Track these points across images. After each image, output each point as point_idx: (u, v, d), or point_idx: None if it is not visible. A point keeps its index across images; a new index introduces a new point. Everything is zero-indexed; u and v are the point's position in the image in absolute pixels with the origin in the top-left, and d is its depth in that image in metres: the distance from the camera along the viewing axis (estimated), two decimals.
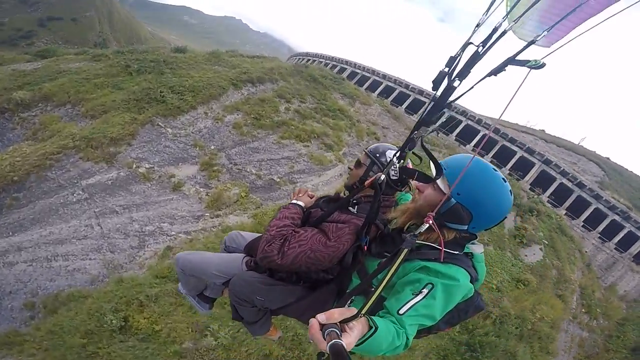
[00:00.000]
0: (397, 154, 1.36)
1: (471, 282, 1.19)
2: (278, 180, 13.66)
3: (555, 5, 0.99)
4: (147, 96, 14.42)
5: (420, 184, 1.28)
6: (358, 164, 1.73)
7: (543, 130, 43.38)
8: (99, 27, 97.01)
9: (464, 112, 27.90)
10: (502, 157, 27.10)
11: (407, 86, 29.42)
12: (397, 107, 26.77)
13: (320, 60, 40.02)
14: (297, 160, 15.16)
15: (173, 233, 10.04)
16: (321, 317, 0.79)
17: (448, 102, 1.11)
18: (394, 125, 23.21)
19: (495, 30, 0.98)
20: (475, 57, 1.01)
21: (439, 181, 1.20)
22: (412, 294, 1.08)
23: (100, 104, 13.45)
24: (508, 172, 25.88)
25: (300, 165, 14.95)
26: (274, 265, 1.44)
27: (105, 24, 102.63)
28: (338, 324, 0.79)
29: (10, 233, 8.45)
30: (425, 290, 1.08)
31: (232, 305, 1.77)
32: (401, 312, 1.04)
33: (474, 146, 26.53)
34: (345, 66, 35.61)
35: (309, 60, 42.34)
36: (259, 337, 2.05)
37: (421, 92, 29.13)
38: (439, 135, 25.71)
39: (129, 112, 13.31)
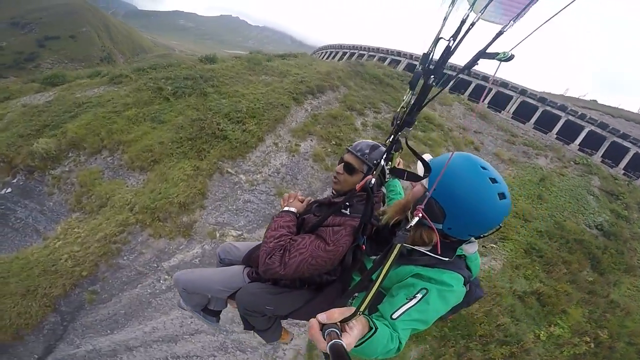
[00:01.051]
0: (384, 157, 1.31)
1: (465, 283, 1.18)
2: None
3: None
4: (201, 131, 10.50)
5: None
6: (351, 169, 1.62)
7: (595, 101, 38.08)
8: (99, 41, 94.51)
9: (562, 107, 23.80)
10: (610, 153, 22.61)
11: (485, 78, 24.43)
12: (476, 102, 21.92)
13: (362, 52, 35.34)
14: None
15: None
16: (322, 316, 0.79)
17: (427, 101, 1.06)
18: (486, 128, 18.57)
19: (463, 22, 0.94)
20: (447, 53, 0.98)
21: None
22: (406, 299, 1.07)
23: (146, 149, 9.92)
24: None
25: None
26: (278, 276, 1.43)
27: (105, 38, 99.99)
28: (338, 324, 0.78)
29: (109, 331, 7.35)
30: (419, 295, 1.07)
31: (243, 317, 1.76)
32: (394, 316, 1.04)
33: (579, 145, 22.55)
34: (398, 57, 30.84)
35: (346, 54, 37.60)
36: (273, 342, 2.02)
37: (505, 84, 24.29)
38: (536, 135, 21.08)
39: (186, 159, 9.63)
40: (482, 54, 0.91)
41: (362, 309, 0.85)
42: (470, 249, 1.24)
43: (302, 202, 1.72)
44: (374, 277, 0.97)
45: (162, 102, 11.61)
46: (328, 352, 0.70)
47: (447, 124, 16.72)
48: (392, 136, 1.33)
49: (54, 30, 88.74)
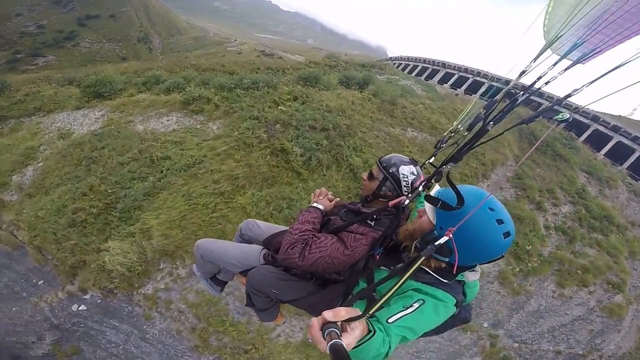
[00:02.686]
0: (424, 184, 1.40)
1: (457, 305, 1.23)
2: (583, 353, 8.81)
3: (596, 22, 1.03)
4: None
5: (421, 209, 1.30)
6: (371, 176, 1.72)
7: None
8: (138, 22, 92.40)
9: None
10: None
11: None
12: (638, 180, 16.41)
13: (425, 65, 30.22)
14: (589, 319, 9.08)
15: None
16: (328, 314, 0.79)
17: (478, 143, 1.14)
18: None
19: (539, 79, 1.03)
20: (514, 104, 1.07)
21: (428, 211, 1.23)
22: (403, 307, 1.11)
23: None
24: None
25: (596, 325, 9.13)
26: (294, 265, 1.54)
27: (143, 18, 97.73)
28: (338, 324, 0.79)
29: None
30: (415, 305, 1.12)
31: (247, 294, 1.88)
32: (390, 320, 1.06)
33: None
34: (480, 79, 25.98)
35: (408, 66, 32.72)
36: (266, 322, 2.14)
37: None
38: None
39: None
40: (543, 112, 1.05)
41: (371, 312, 0.97)
42: (472, 276, 1.29)
43: (330, 201, 1.79)
44: (379, 288, 1.22)
45: (292, 178, 7.18)
46: (328, 351, 0.70)
47: (621, 220, 11.44)
48: (431, 157, 1.74)
49: (94, 9, 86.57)
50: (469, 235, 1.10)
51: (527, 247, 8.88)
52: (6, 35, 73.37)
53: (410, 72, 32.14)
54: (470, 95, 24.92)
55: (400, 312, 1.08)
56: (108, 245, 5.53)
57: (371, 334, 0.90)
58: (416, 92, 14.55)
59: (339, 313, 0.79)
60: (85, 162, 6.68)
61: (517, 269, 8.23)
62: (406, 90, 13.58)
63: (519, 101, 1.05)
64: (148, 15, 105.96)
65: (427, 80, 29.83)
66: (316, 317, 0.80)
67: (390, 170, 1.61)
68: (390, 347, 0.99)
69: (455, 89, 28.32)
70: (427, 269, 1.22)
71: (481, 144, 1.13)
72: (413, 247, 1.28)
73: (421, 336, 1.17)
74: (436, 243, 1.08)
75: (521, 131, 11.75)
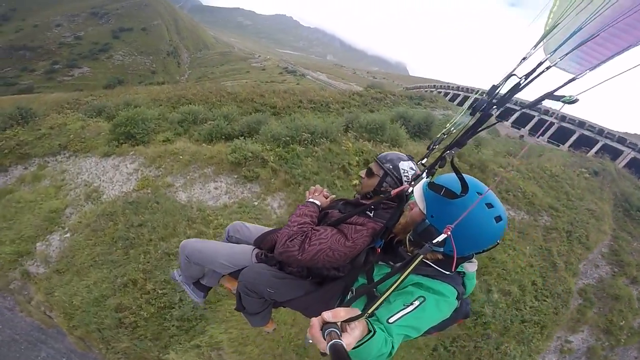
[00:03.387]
0: (428, 170, 1.33)
1: (458, 298, 1.20)
2: None
3: (595, 33, 1.03)
4: None
5: (412, 202, 1.29)
6: (370, 173, 1.69)
7: None
8: (167, 35, 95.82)
9: None
10: None
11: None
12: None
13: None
14: None
15: None
16: (327, 314, 0.77)
17: (482, 128, 1.09)
18: None
19: (540, 64, 1.00)
20: (516, 89, 1.02)
21: (418, 201, 1.21)
22: (404, 305, 1.07)
23: None
24: None
25: None
26: (293, 259, 1.43)
27: (173, 32, 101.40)
28: (338, 324, 0.78)
29: None
30: (416, 302, 1.08)
31: (238, 296, 1.73)
32: (390, 320, 1.02)
33: None
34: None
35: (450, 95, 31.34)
36: (256, 327, 2.00)
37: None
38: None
39: None
40: (549, 95, 0.94)
41: (370, 311, 0.92)
42: (470, 267, 1.28)
43: (326, 198, 1.74)
44: (380, 287, 1.14)
45: None
46: (328, 351, 0.70)
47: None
48: (424, 158, 1.60)
49: (128, 22, 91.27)
50: (461, 224, 1.04)
51: (621, 323, 7.16)
52: (46, 46, 77.36)
53: (451, 100, 30.21)
54: (536, 136, 22.32)
55: (400, 311, 1.05)
56: (171, 358, 4.19)
57: (371, 333, 0.88)
58: (480, 137, 12.92)
59: (338, 313, 0.78)
60: (121, 243, 5.39)
61: (607, 343, 6.60)
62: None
63: (521, 85, 0.99)
64: (177, 29, 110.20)
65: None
66: (311, 317, 0.82)
67: (390, 166, 1.61)
68: (393, 347, 0.98)
69: (519, 129, 25.37)
70: (427, 261, 1.19)
71: (485, 128, 1.07)
72: (407, 240, 1.27)
73: (423, 334, 1.13)
74: (434, 241, 1.04)
75: (616, 199, 9.82)
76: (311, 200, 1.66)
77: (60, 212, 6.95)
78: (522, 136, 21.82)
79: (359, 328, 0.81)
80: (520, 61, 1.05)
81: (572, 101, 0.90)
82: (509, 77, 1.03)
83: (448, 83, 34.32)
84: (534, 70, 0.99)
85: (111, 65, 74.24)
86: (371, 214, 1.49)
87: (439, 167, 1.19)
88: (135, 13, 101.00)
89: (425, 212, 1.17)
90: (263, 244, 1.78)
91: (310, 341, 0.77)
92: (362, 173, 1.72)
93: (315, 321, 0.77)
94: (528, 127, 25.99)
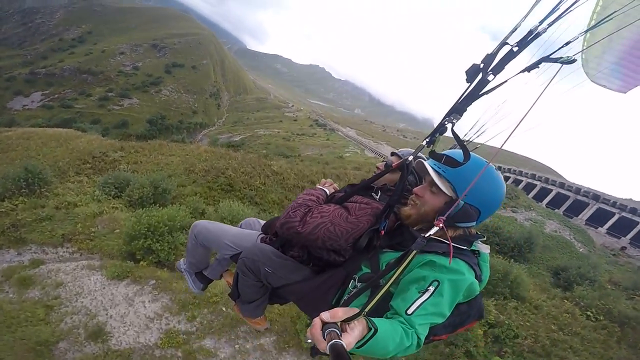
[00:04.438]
0: (428, 139, 1.30)
1: (477, 278, 1.14)
2: None
3: (636, 47, 1.03)
4: None
5: (419, 189, 1.24)
6: (390, 167, 1.62)
7: None
8: (213, 76, 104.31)
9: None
10: None
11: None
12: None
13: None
14: None
15: None
16: (325, 315, 0.78)
17: (481, 93, 1.09)
18: None
19: (530, 32, 1.01)
20: (510, 55, 1.04)
21: (441, 185, 1.17)
22: (419, 292, 1.03)
23: None
24: None
25: None
26: (293, 232, 1.37)
27: (218, 73, 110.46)
28: (338, 323, 0.78)
29: None
30: (431, 288, 1.03)
31: (235, 280, 1.71)
32: (409, 312, 1.00)
33: None
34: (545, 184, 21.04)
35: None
36: (248, 319, 1.90)
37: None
38: None
39: None
40: (545, 58, 0.96)
41: (367, 309, 0.88)
42: (484, 248, 1.23)
43: (335, 191, 1.72)
44: (386, 277, 1.04)
45: None
46: (328, 351, 0.70)
47: None
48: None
49: (181, 58, 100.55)
50: (488, 192, 1.12)
51: None
52: (107, 72, 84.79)
53: (525, 189, 26.76)
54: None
55: (417, 299, 1.00)
56: None
57: (371, 332, 0.84)
58: (577, 249, 10.11)
59: (337, 313, 0.78)
60: None
61: None
62: (575, 253, 9.14)
63: (515, 52, 0.99)
64: (223, 71, 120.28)
65: (551, 208, 22.73)
66: (307, 311, 0.87)
67: (406, 156, 1.54)
68: (419, 337, 0.97)
69: (618, 237, 20.34)
70: (438, 238, 1.11)
71: (483, 94, 1.07)
72: (442, 227, 1.09)
73: (434, 336, 1.13)
74: (426, 235, 1.04)
75: None
76: (320, 187, 1.65)
77: (52, 346, 4.60)
78: (624, 248, 17.91)
79: (358, 327, 0.80)
80: (512, 31, 1.00)
81: (570, 61, 0.92)
82: (503, 46, 1.03)
83: (519, 169, 31.18)
84: (525, 37, 1.00)
85: (158, 100, 78.96)
86: (377, 196, 1.49)
87: (439, 134, 1.20)
88: (189, 50, 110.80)
89: (456, 194, 1.13)
90: (270, 229, 1.73)
91: (310, 341, 0.77)
92: (380, 165, 1.70)
93: (317, 321, 0.77)
94: (630, 235, 20.42)
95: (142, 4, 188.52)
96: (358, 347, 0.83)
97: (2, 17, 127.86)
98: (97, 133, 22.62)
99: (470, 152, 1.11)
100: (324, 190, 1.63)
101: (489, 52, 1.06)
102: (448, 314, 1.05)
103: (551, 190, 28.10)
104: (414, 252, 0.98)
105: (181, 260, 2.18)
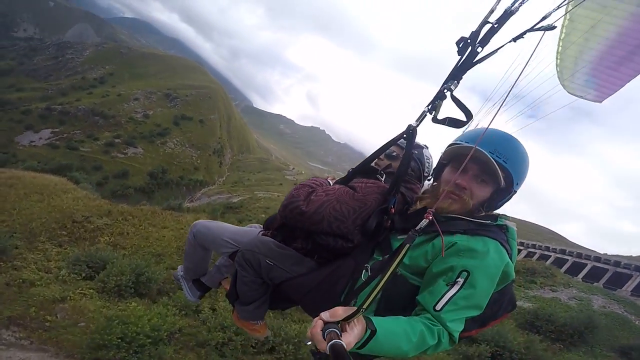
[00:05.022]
0: (429, 106, 1.28)
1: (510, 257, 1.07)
2: None
3: (606, 58, 1.10)
4: None
5: (463, 180, 1.13)
6: (393, 157, 1.66)
7: None
8: (219, 132, 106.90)
9: None
10: None
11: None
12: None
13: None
14: None
15: None
16: (325, 314, 0.77)
17: (474, 61, 1.14)
18: None
19: (506, 12, 1.08)
20: (492, 30, 1.10)
21: (500, 175, 1.09)
22: (446, 285, 0.96)
23: None
24: None
25: None
26: (297, 212, 1.31)
27: (224, 129, 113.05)
28: (339, 323, 0.77)
29: None
30: (460, 280, 0.96)
31: (233, 278, 1.60)
32: (438, 307, 0.94)
33: None
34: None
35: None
36: (247, 325, 1.74)
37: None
38: None
39: None
40: (529, 29, 1.05)
41: (365, 305, 0.82)
42: (510, 223, 1.16)
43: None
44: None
45: None
46: (328, 351, 0.69)
47: None
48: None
49: (190, 111, 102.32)
50: (527, 171, 1.13)
51: None
52: (118, 116, 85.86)
53: (556, 264, 25.87)
54: None
55: (445, 293, 0.94)
56: None
57: (369, 333, 0.80)
58: (634, 324, 9.77)
59: (337, 312, 0.77)
60: None
61: None
62: (635, 328, 8.81)
63: (499, 26, 1.07)
64: (229, 127, 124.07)
65: (590, 282, 21.81)
66: (313, 311, 0.85)
67: (415, 152, 1.60)
68: (451, 334, 0.92)
69: None
70: (460, 216, 1.09)
71: (477, 62, 1.12)
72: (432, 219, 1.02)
73: (461, 332, 0.98)
74: (417, 227, 0.95)
75: None
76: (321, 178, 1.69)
77: None
78: None
79: (357, 327, 0.78)
80: (490, 11, 1.09)
81: (550, 27, 1.02)
82: (485, 24, 1.09)
83: (544, 244, 30.67)
84: (503, 16, 1.07)
85: (162, 152, 79.31)
86: (382, 178, 1.48)
87: (440, 100, 1.21)
88: (199, 103, 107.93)
89: (513, 182, 1.12)
90: (272, 224, 1.62)
91: (310, 342, 0.76)
92: (382, 156, 1.66)
93: (316, 321, 0.76)
94: None
95: (163, 51, 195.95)
96: (359, 348, 0.80)
97: (39, 48, 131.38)
98: (91, 186, 21.50)
99: (495, 129, 1.13)
100: (326, 179, 1.60)
101: (474, 30, 1.14)
102: (484, 304, 0.98)
103: (585, 264, 27.70)
104: (407, 245, 0.91)
105: (179, 267, 2.09)
